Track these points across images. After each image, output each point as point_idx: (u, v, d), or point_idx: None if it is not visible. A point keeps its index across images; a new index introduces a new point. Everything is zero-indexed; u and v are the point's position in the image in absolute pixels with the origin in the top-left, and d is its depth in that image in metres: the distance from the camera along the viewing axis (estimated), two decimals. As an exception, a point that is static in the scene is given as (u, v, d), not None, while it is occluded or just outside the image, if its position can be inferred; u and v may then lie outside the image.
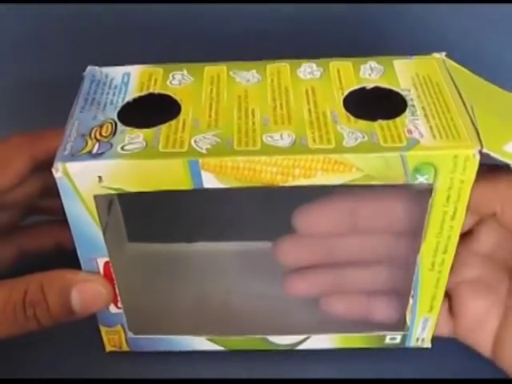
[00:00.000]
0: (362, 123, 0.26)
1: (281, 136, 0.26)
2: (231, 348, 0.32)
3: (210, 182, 0.25)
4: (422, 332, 0.31)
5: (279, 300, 0.33)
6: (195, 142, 0.25)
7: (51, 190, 0.33)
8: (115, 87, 0.29)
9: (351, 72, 0.29)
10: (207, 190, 0.26)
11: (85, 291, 0.28)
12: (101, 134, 0.26)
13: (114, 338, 0.32)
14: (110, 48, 0.33)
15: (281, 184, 0.26)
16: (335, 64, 0.30)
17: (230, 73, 0.29)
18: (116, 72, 0.30)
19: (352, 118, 0.27)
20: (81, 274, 0.28)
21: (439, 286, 0.29)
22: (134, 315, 0.31)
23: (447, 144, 0.25)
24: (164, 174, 0.25)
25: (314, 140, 0.25)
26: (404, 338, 0.32)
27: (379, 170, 0.25)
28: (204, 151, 0.25)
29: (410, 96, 0.28)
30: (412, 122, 0.26)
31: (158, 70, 0.30)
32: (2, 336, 0.29)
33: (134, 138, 0.26)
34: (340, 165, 0.25)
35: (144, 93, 0.28)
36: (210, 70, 0.30)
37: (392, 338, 0.32)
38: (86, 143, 0.25)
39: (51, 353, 0.33)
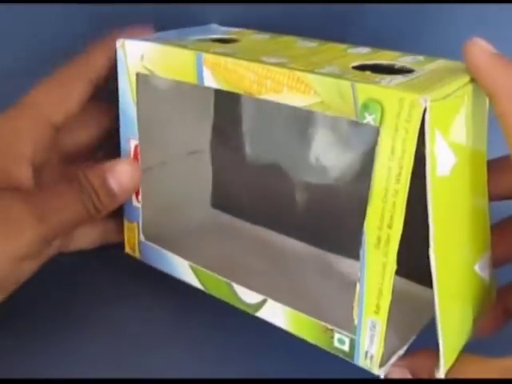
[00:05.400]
0: (353, 70, 0.27)
1: (274, 58, 0.28)
2: (205, 285, 0.33)
3: (208, 78, 0.29)
4: (370, 344, 0.27)
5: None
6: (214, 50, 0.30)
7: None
8: None
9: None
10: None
11: (117, 172, 0.33)
12: None
13: (131, 237, 0.36)
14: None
15: (256, 95, 0.28)
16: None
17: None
18: None
19: (351, 65, 0.27)
20: (111, 161, 0.33)
21: (386, 275, 0.26)
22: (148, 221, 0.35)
23: (400, 88, 0.24)
24: (179, 63, 0.30)
25: (295, 63, 0.27)
26: (352, 346, 0.28)
27: (333, 98, 0.25)
28: (211, 51, 0.29)
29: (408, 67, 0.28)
30: (394, 78, 0.25)
31: None
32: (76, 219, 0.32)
33: None
34: (301, 84, 0.26)
35: None
36: None
37: (340, 341, 0.28)
38: None
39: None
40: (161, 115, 0.37)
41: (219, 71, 0.29)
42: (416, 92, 0.23)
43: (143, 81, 0.32)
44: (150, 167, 0.37)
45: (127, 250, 0.36)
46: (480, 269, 0.29)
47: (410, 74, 0.27)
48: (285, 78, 0.27)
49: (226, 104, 0.40)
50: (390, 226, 0.25)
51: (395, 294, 0.27)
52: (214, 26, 0.37)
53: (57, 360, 0.32)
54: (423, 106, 0.23)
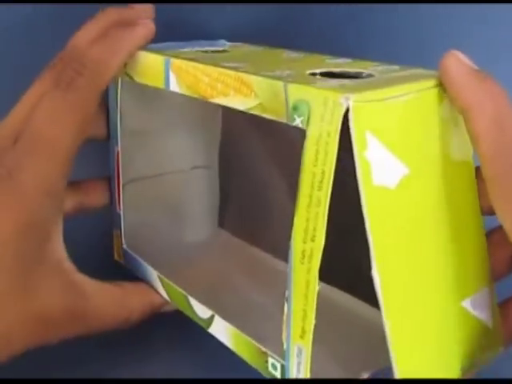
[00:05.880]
0: (307, 75, 0.25)
1: (235, 63, 0.27)
2: (170, 296, 0.32)
3: (173, 83, 0.29)
4: (297, 372, 0.25)
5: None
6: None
7: None
8: None
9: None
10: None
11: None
12: None
13: (118, 244, 0.36)
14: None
15: (209, 98, 0.27)
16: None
17: None
18: None
19: (309, 72, 0.26)
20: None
21: (309, 294, 0.23)
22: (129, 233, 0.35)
23: (329, 88, 0.22)
24: (151, 68, 0.30)
25: (251, 67, 0.26)
26: (283, 373, 0.25)
27: (269, 100, 0.24)
28: (179, 57, 0.29)
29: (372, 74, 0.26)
30: (339, 81, 0.24)
31: None
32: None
33: None
34: (244, 86, 0.25)
35: None
36: None
37: (273, 366, 0.26)
38: None
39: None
40: (161, 125, 0.37)
41: (181, 75, 0.28)
42: (342, 92, 0.22)
43: (143, 88, 0.33)
44: (144, 177, 0.37)
45: (116, 257, 0.37)
46: (472, 307, 0.26)
47: (363, 79, 0.25)
48: (232, 81, 0.26)
49: (235, 118, 0.39)
50: (312, 239, 0.23)
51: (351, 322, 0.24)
52: (222, 41, 0.37)
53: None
54: (344, 106, 0.21)
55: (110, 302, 0.31)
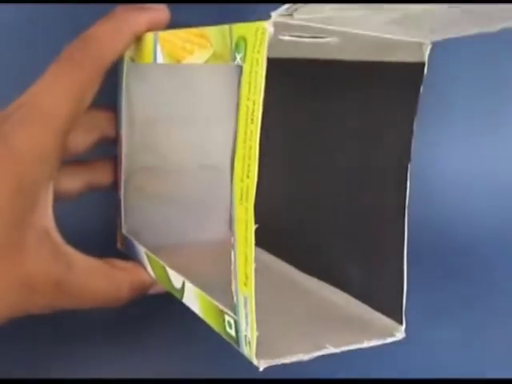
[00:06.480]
0: None
1: None
2: (155, 272, 0.32)
3: (159, 56, 0.30)
4: (246, 326, 0.23)
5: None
6: None
7: None
8: None
9: None
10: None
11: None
12: None
13: (119, 232, 0.36)
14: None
15: (182, 61, 0.27)
16: None
17: None
18: None
19: None
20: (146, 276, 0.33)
21: (248, 236, 0.22)
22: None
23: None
24: (144, 45, 0.31)
25: None
26: (237, 330, 0.24)
27: (220, 47, 0.24)
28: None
29: None
30: None
31: None
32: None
33: None
34: (203, 39, 0.26)
35: None
36: None
37: (229, 324, 0.25)
38: None
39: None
40: (169, 117, 0.37)
41: (165, 46, 0.29)
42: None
43: (152, 75, 0.34)
44: (150, 168, 0.37)
45: (118, 246, 0.37)
46: None
47: None
48: (196, 38, 0.26)
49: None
50: (248, 175, 0.22)
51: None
52: None
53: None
54: (269, 32, 0.21)
55: (98, 277, 0.31)
